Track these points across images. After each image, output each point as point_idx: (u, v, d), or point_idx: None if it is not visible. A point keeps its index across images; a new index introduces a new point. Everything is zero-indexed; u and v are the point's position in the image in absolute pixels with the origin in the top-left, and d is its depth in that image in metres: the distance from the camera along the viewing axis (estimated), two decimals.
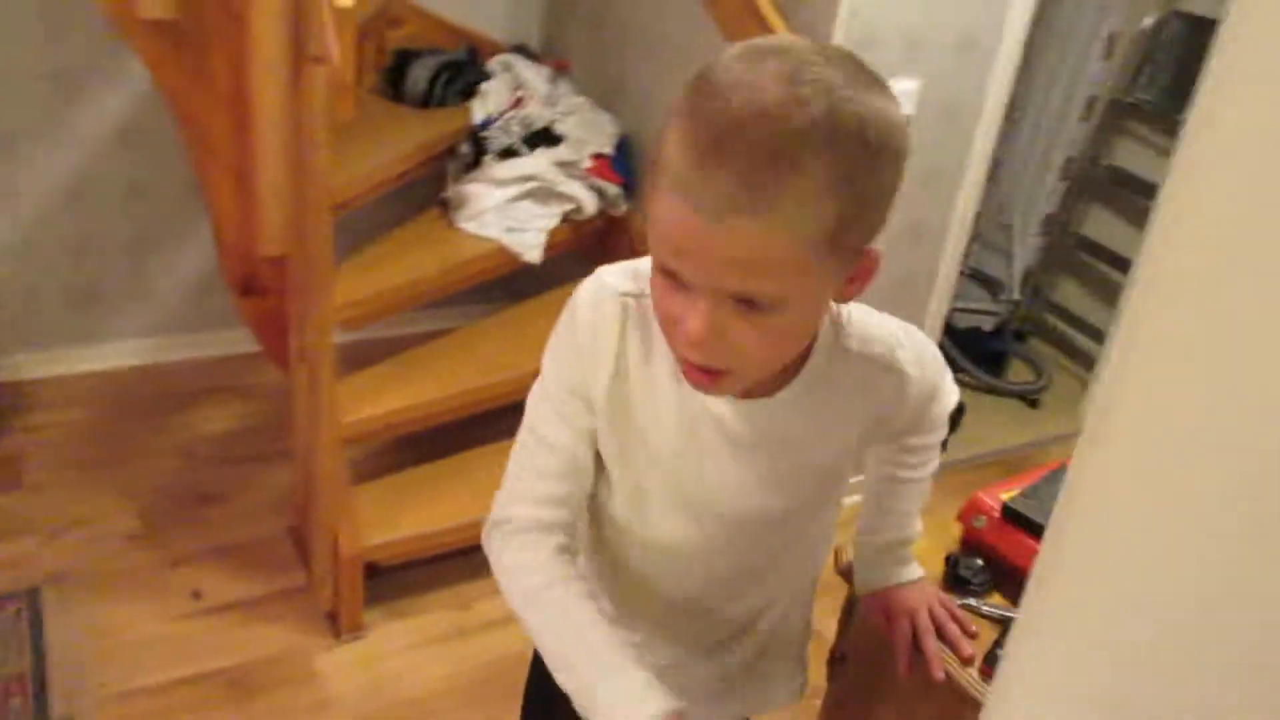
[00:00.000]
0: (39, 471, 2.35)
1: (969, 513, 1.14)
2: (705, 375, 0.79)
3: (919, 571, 1.07)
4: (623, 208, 2.58)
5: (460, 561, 2.18)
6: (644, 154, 2.57)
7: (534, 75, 2.72)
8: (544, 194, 2.45)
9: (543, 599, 0.90)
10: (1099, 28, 3.26)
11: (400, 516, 2.06)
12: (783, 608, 1.07)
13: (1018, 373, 3.34)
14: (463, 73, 2.66)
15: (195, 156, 1.93)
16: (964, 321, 3.21)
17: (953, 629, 1.02)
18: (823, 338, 0.89)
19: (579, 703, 0.84)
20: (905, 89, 2.14)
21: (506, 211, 2.41)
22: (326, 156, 1.66)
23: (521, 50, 2.84)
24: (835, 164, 0.69)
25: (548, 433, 0.93)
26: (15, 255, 2.53)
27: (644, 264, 0.84)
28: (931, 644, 1.01)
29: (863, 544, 1.09)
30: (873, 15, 2.01)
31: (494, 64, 2.75)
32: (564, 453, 0.92)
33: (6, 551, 2.13)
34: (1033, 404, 3.19)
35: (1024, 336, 3.50)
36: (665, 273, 0.76)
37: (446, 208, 2.47)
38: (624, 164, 2.57)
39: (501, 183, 2.42)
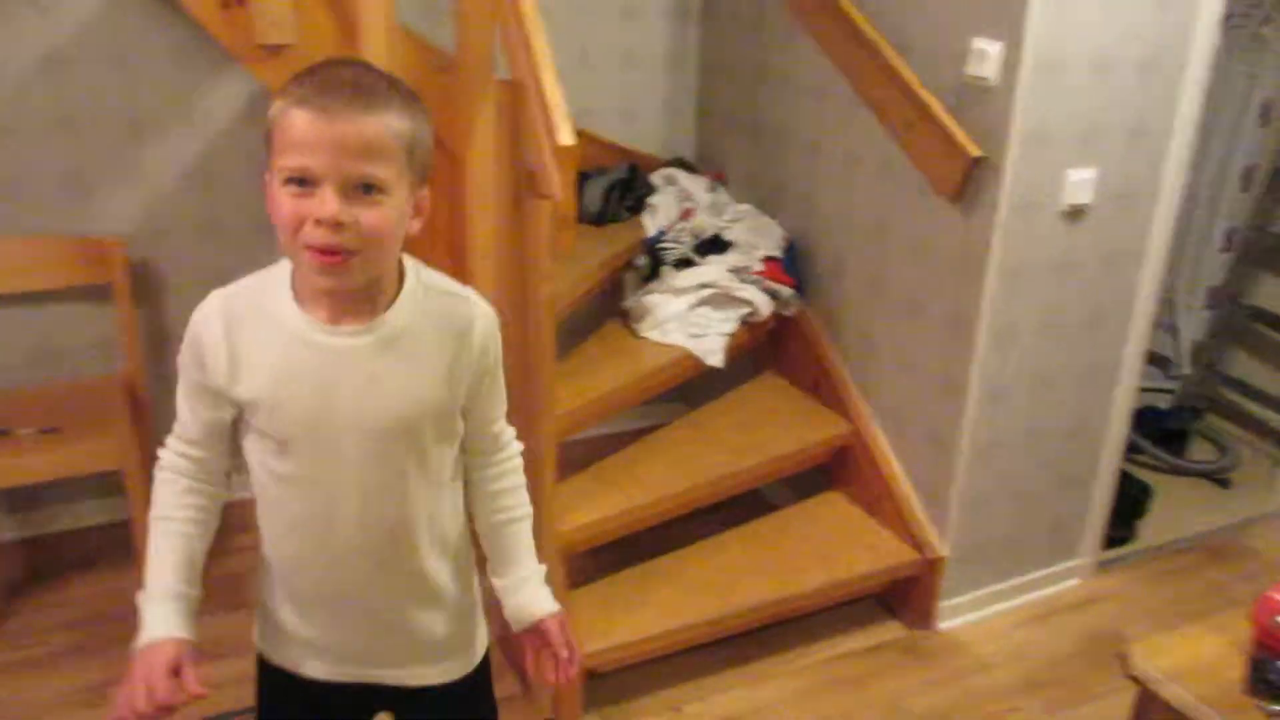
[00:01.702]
0: (254, 593, 2.48)
1: (1264, 612, 1.12)
2: (336, 257, 1.02)
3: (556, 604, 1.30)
4: (795, 308, 2.64)
5: (671, 664, 2.21)
6: (811, 255, 2.64)
7: (695, 186, 2.83)
8: (721, 299, 2.54)
9: (156, 526, 1.18)
10: (1251, 96, 3.23)
11: (614, 622, 2.11)
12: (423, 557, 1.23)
13: (1201, 451, 3.23)
14: (630, 189, 2.80)
15: None
16: (1138, 401, 3.14)
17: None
18: (410, 274, 1.14)
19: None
20: (1083, 178, 2.16)
21: (687, 319, 2.50)
22: (550, 286, 1.76)
23: (679, 163, 2.97)
24: (405, 104, 1.04)
25: (186, 416, 1.17)
26: None
27: (234, 284, 1.14)
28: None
29: (504, 586, 1.29)
30: (1045, 111, 2.05)
31: (656, 178, 2.88)
32: (196, 427, 1.17)
33: (232, 668, 2.23)
34: (1222, 483, 3.08)
35: (1201, 413, 3.40)
36: (293, 181, 1.00)
37: (628, 318, 2.57)
38: (793, 265, 2.64)
39: (681, 291, 2.51)
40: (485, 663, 1.38)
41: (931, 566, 2.38)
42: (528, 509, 1.32)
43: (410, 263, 1.16)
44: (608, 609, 2.14)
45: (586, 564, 2.38)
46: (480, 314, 1.19)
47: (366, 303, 1.10)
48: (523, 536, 1.30)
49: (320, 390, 1.10)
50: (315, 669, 1.27)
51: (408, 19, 2.22)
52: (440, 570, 1.24)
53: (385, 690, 1.30)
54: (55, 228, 2.40)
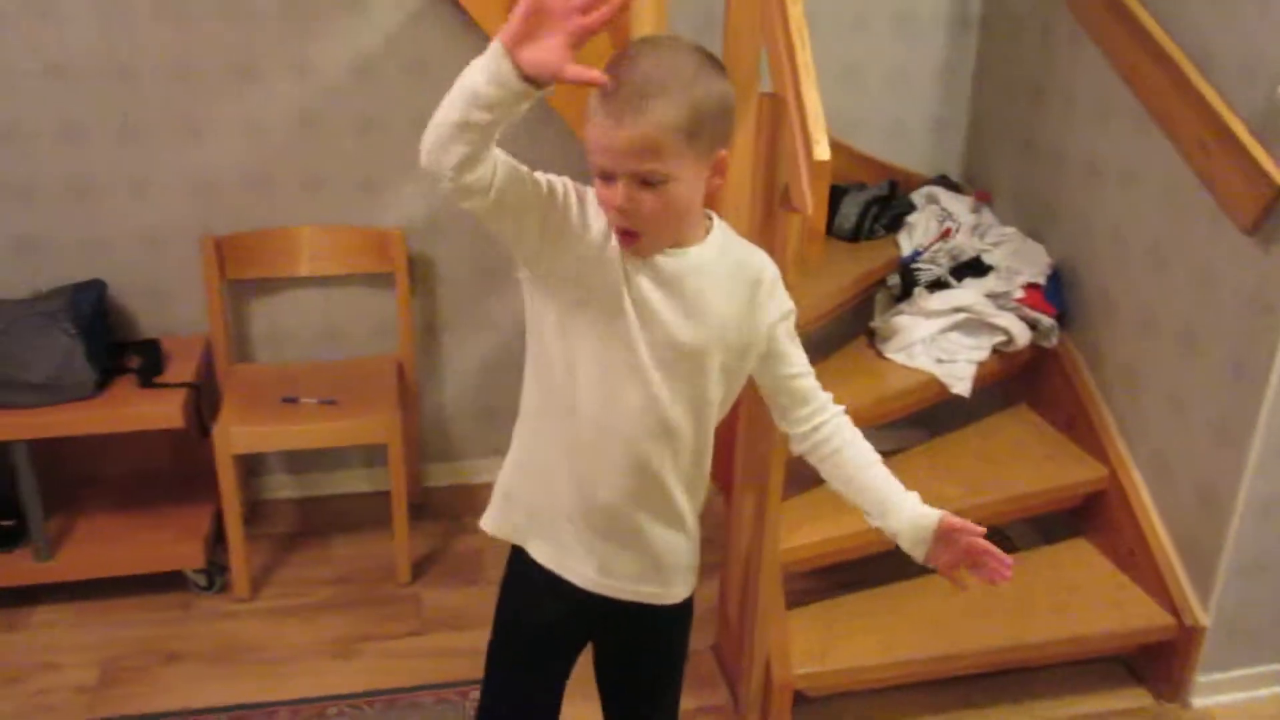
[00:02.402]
0: (494, 570, 2.62)
1: None
2: (627, 236, 1.20)
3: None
4: (1055, 339, 2.49)
5: (886, 698, 2.15)
6: (1077, 283, 2.47)
7: (958, 206, 2.73)
8: (974, 325, 2.43)
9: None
10: None
11: (830, 646, 2.07)
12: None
13: None
14: (888, 206, 2.73)
15: None
16: None
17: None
18: (716, 229, 1.31)
19: (460, 98, 1.10)
20: None
21: (936, 343, 2.41)
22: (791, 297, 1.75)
23: (943, 181, 2.87)
24: (686, 89, 1.14)
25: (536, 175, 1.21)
26: (478, 378, 2.89)
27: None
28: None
29: (895, 515, 1.35)
30: None
31: (917, 196, 2.80)
32: (529, 181, 1.19)
33: (467, 641, 2.37)
34: None
35: None
36: (600, 176, 1.18)
37: (873, 338, 2.51)
38: (1057, 294, 2.49)
39: (932, 314, 2.43)
40: (692, 601, 1.48)
41: (1189, 636, 2.17)
42: (875, 454, 1.41)
43: (719, 221, 1.32)
44: (826, 632, 2.10)
45: (808, 584, 2.35)
46: (769, 266, 1.35)
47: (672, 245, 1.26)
48: (885, 475, 1.39)
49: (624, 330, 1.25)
50: (570, 571, 1.37)
51: (684, 30, 2.29)
52: (684, 497, 1.36)
53: (611, 604, 1.38)
54: (349, 219, 2.65)
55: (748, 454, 2.04)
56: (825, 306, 2.36)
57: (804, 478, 2.21)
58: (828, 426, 1.39)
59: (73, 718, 2.13)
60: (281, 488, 2.90)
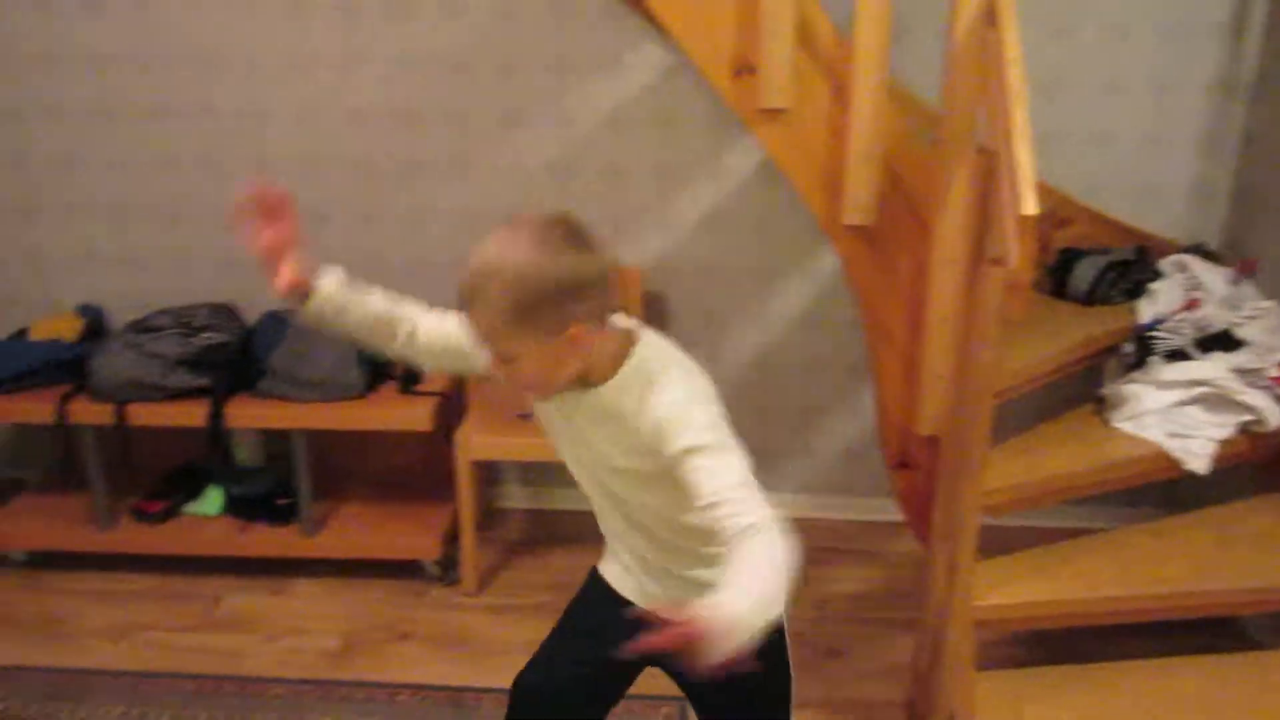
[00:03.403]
0: None
1: None
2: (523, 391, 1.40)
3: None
4: None
5: None
6: None
7: (1212, 276, 2.57)
8: (1217, 401, 2.28)
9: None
10: None
11: (1020, 714, 2.01)
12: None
13: None
14: (1130, 271, 2.62)
15: (871, 340, 2.16)
16: None
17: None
18: (629, 362, 1.37)
19: None
20: None
21: (1170, 416, 2.29)
22: (994, 352, 1.76)
23: (1198, 250, 2.71)
24: (503, 291, 1.23)
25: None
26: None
27: None
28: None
29: None
30: None
31: (1166, 264, 2.66)
32: (449, 330, 1.56)
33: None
34: None
35: None
36: None
37: (1102, 405, 2.41)
38: None
39: (1168, 385, 2.31)
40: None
41: None
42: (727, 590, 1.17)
43: (638, 363, 1.37)
44: (1016, 701, 2.03)
45: (1003, 650, 2.29)
46: (651, 416, 1.32)
47: (577, 386, 1.38)
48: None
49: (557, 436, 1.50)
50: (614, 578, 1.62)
51: (911, 73, 2.34)
52: (666, 555, 1.51)
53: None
54: None
55: (945, 508, 2.04)
56: (1047, 367, 2.30)
57: (1001, 543, 2.18)
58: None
59: (317, 675, 2.42)
60: (515, 498, 3.15)
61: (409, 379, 2.72)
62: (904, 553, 2.82)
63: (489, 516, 3.08)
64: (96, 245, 2.98)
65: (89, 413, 2.65)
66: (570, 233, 1.27)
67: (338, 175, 2.86)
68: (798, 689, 2.41)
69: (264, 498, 2.84)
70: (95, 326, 2.90)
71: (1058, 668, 2.15)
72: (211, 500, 2.88)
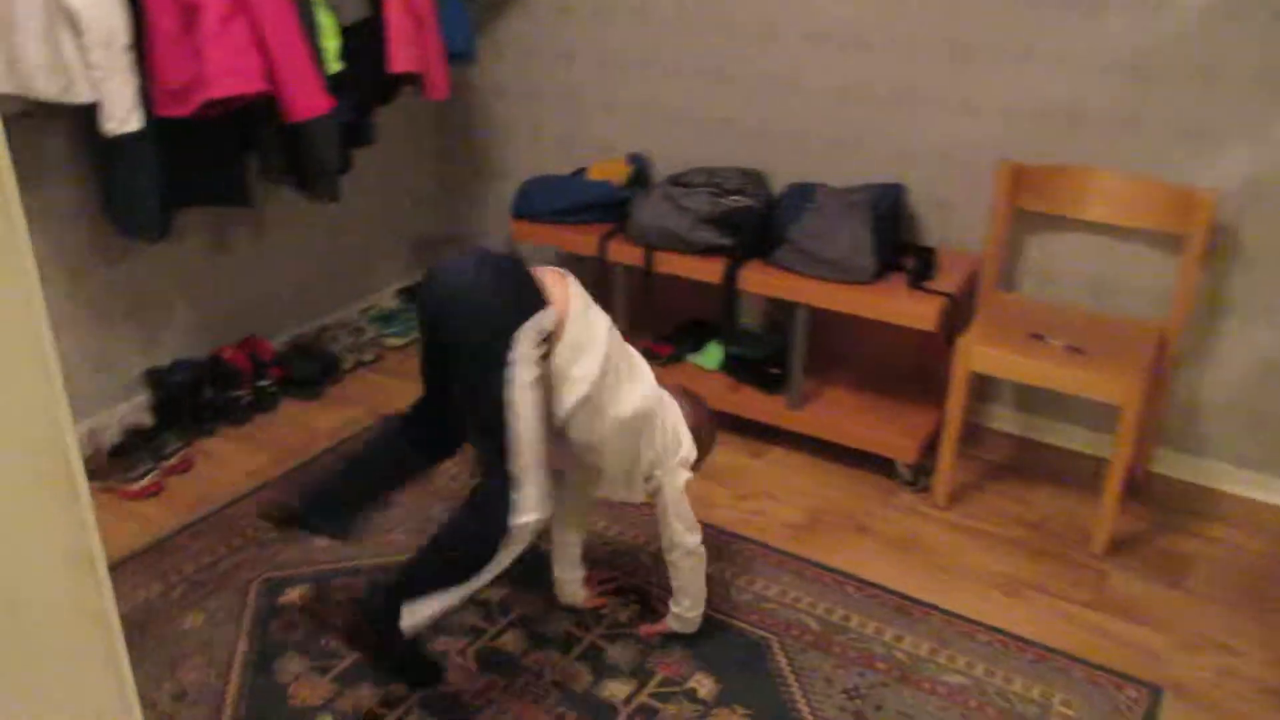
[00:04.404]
0: (1200, 581, 2.37)
1: None
2: None
3: None
4: None
5: None
6: None
7: None
8: None
9: None
10: None
11: None
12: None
13: None
14: None
15: None
16: None
17: None
18: None
19: None
20: None
21: None
22: None
23: None
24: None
25: None
26: (1255, 376, 2.55)
27: None
28: None
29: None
30: None
31: None
32: None
33: (1138, 636, 2.20)
34: None
35: None
36: None
37: None
38: None
39: None
40: None
41: None
42: None
43: None
44: None
45: None
46: None
47: None
48: None
49: None
50: None
51: None
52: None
53: None
54: (1157, 169, 2.50)
55: None
56: None
57: None
58: None
59: (775, 542, 2.49)
60: (1006, 420, 2.95)
61: (920, 273, 2.61)
62: None
63: (974, 432, 2.92)
64: (654, 99, 3.19)
65: (623, 252, 2.89)
66: None
67: (876, 57, 2.75)
68: None
69: (758, 363, 2.93)
70: (641, 175, 3.14)
71: None
72: (711, 355, 3.04)
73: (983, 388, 2.93)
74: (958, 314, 2.62)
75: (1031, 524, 2.57)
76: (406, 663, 2.03)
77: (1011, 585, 2.36)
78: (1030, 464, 2.81)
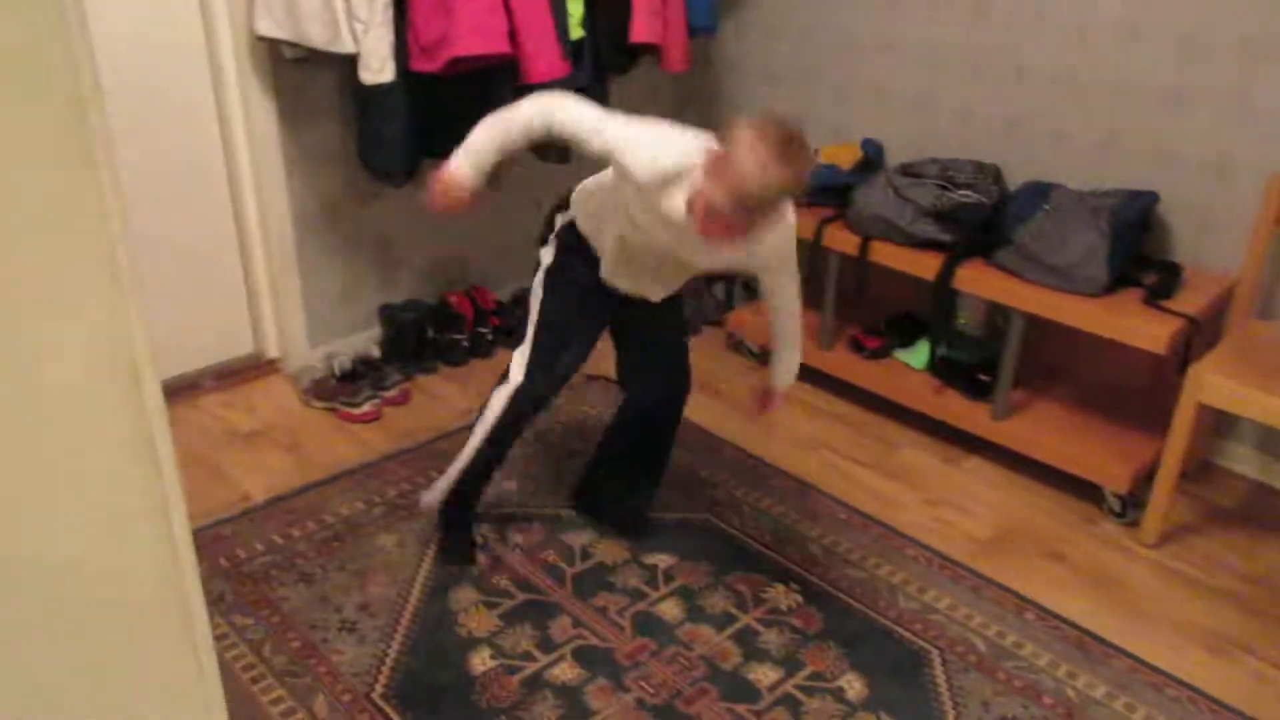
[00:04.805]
0: None
1: None
2: None
3: None
4: None
5: None
6: None
7: None
8: None
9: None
10: None
11: None
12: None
13: None
14: None
15: None
16: None
17: None
18: None
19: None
20: None
21: None
22: None
23: None
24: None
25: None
26: None
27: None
28: None
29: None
30: None
31: None
32: None
33: None
34: None
35: None
36: None
37: None
38: None
39: None
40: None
41: None
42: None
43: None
44: None
45: None
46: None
47: None
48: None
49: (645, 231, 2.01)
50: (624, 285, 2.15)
51: None
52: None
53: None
54: None
55: None
56: None
57: None
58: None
59: (956, 555, 2.39)
60: (1243, 460, 2.67)
61: (1159, 291, 2.39)
62: None
63: (1201, 469, 2.66)
64: (894, 86, 3.08)
65: (839, 239, 2.83)
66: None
67: (1155, 50, 2.52)
68: None
69: (967, 367, 2.80)
70: (871, 161, 3.04)
71: None
72: (919, 353, 2.93)
73: (1221, 423, 2.67)
74: (1198, 339, 2.39)
75: (1253, 578, 2.32)
76: (443, 539, 2.36)
77: (1217, 642, 2.15)
78: (1263, 512, 2.54)
